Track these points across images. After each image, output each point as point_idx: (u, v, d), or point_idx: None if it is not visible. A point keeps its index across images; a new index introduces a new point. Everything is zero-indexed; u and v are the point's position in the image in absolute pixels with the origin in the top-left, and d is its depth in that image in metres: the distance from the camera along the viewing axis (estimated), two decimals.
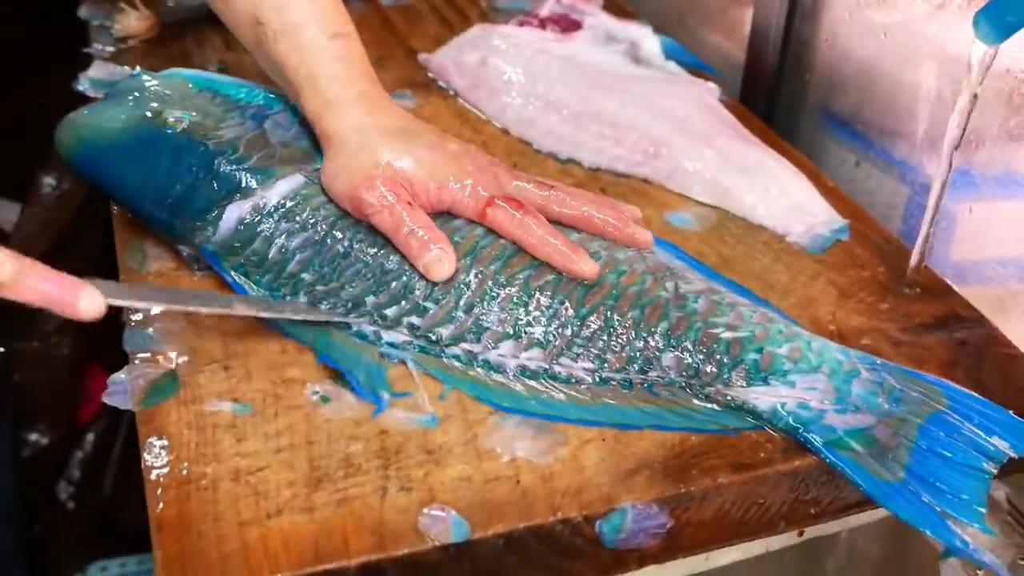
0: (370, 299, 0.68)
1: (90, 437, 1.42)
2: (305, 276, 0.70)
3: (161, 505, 0.57)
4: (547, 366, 0.66)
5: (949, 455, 0.61)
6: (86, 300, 0.58)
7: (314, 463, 0.60)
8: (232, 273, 0.72)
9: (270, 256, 0.71)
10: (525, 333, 0.67)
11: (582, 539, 0.58)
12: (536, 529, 0.57)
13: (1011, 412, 0.63)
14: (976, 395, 0.64)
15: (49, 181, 1.25)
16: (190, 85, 0.81)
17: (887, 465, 0.60)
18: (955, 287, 0.77)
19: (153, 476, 0.59)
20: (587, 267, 0.68)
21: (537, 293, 0.67)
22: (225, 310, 0.67)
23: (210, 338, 0.69)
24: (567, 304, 0.67)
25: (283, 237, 0.71)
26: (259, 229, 0.72)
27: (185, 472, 0.59)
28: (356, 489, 0.58)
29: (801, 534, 0.69)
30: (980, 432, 0.62)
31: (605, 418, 0.64)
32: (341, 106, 0.73)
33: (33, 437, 1.35)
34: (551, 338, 0.66)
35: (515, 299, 0.67)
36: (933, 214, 0.73)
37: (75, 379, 1.41)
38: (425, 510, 0.57)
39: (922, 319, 0.73)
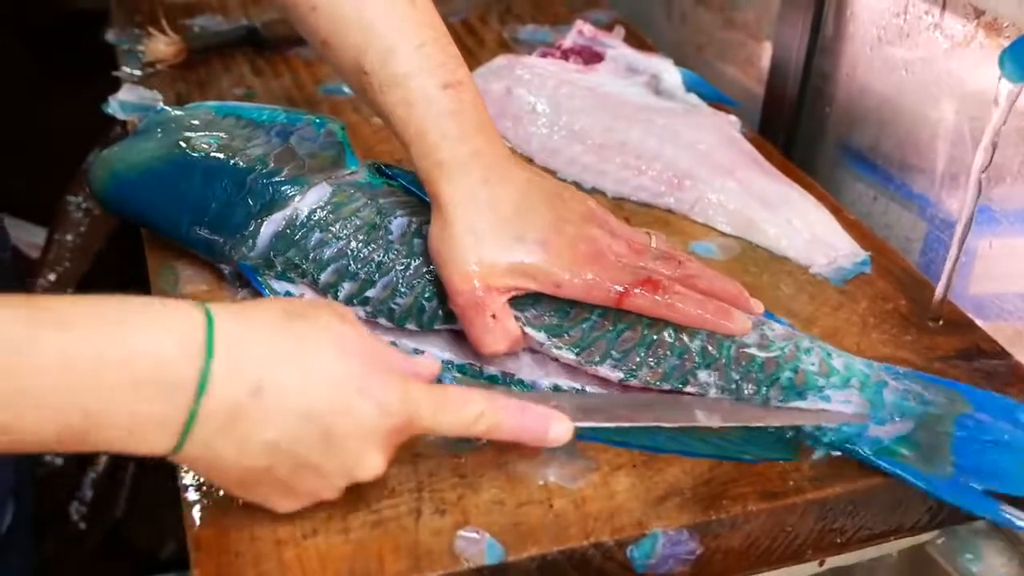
0: (430, 305, 0.70)
1: (103, 458, 1.42)
2: (344, 286, 0.71)
3: (198, 524, 0.58)
4: (578, 387, 0.68)
5: (990, 441, 0.64)
6: (556, 430, 0.59)
7: (349, 484, 0.61)
8: (266, 286, 0.73)
9: (304, 267, 0.72)
10: (568, 334, 0.68)
11: (613, 564, 0.59)
12: (569, 553, 0.58)
13: None
14: (993, 393, 0.68)
15: (78, 205, 1.26)
16: (213, 113, 0.83)
17: (936, 463, 0.63)
18: (975, 320, 0.78)
19: (190, 495, 0.60)
20: (740, 324, 0.67)
21: (578, 304, 0.68)
22: (688, 422, 0.65)
23: None
24: (607, 318, 0.68)
25: (316, 247, 0.72)
26: (293, 240, 0.73)
27: (221, 492, 0.60)
28: (391, 511, 0.59)
29: (822, 564, 0.70)
30: (1008, 424, 0.65)
31: (633, 440, 0.65)
32: (452, 169, 0.67)
33: (47, 457, 1.35)
34: (588, 344, 0.68)
35: (556, 308, 0.68)
36: (959, 249, 0.74)
37: None
38: (460, 532, 0.58)
39: (945, 352, 0.74)
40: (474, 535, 0.58)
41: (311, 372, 0.54)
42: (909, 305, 0.79)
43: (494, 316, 0.66)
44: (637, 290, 0.66)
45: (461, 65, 0.70)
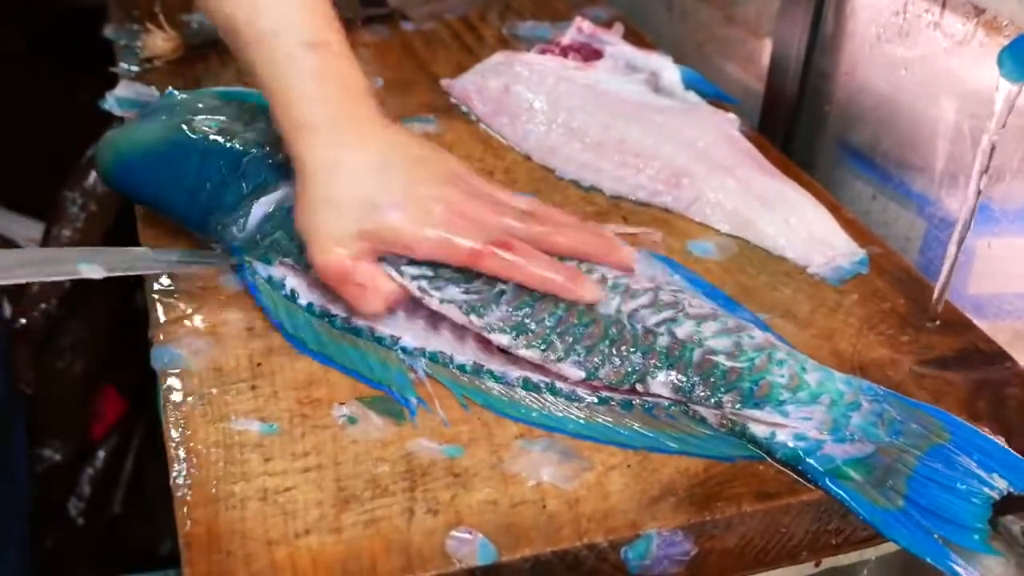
0: None
1: (101, 454, 1.42)
2: None
3: (189, 523, 0.58)
4: (548, 380, 0.68)
5: (948, 484, 0.61)
6: None
7: (341, 484, 0.60)
8: (249, 269, 0.74)
9: (288, 246, 0.73)
10: (530, 331, 0.68)
11: (607, 565, 0.59)
12: (562, 554, 0.58)
13: (1012, 451, 0.63)
14: (979, 430, 0.64)
15: (74, 200, 1.26)
16: (219, 98, 0.84)
17: (886, 493, 0.61)
18: (973, 321, 0.78)
19: (181, 494, 0.59)
20: (589, 292, 0.68)
21: (543, 298, 0.69)
22: (70, 275, 0.67)
23: (236, 357, 0.69)
24: (572, 312, 0.68)
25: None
26: (281, 222, 0.73)
27: (213, 491, 0.60)
28: (383, 510, 0.59)
29: (818, 564, 0.70)
30: (980, 469, 0.62)
31: (601, 435, 0.65)
32: (310, 131, 0.68)
33: (46, 453, 1.36)
34: (552, 339, 0.67)
35: (525, 299, 0.69)
36: (957, 250, 0.74)
37: (88, 397, 1.42)
38: (453, 532, 0.57)
39: (942, 352, 0.74)
40: (467, 535, 0.57)
41: None
42: (907, 305, 0.79)
43: (360, 284, 0.67)
44: (492, 251, 0.67)
45: (331, 27, 0.70)
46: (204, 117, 0.80)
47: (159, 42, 1.07)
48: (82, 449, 1.41)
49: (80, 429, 1.41)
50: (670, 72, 1.04)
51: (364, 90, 0.70)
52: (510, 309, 0.68)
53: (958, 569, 0.57)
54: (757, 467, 0.63)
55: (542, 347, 0.67)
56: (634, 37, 1.14)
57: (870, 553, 0.69)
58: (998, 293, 0.84)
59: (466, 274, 0.69)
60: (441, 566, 0.56)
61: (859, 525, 0.64)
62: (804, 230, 0.85)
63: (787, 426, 0.64)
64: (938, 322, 0.77)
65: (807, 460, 0.62)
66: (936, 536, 0.59)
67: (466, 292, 0.69)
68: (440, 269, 0.69)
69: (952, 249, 0.74)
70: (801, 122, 1.06)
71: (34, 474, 1.34)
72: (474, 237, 0.67)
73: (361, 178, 0.67)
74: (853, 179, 1.01)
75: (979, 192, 0.72)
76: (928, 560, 0.58)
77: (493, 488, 0.61)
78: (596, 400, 0.67)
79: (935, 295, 0.76)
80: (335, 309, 0.72)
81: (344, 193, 0.67)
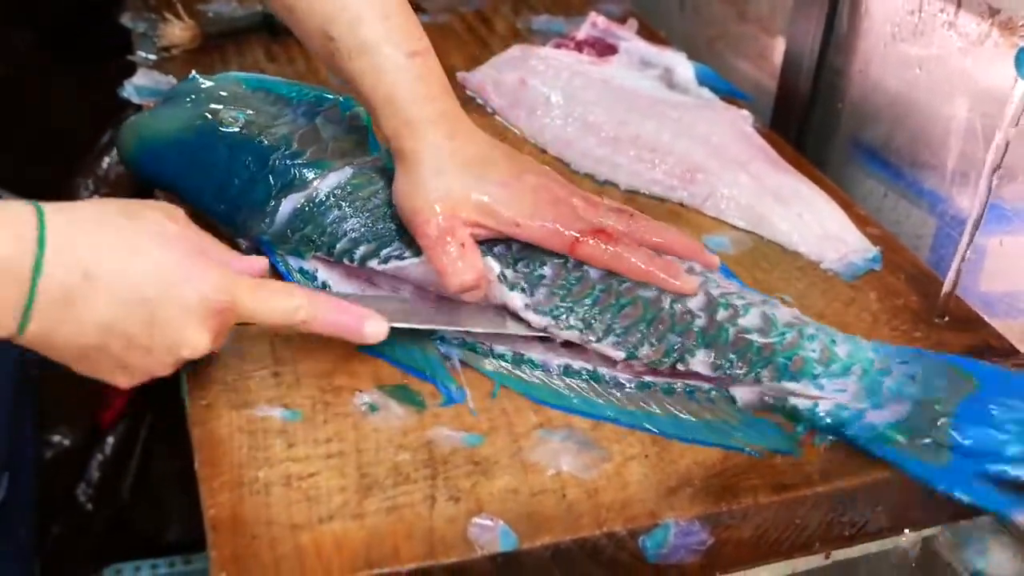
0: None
1: (110, 441, 1.43)
2: (360, 250, 0.73)
3: (215, 508, 0.58)
4: (590, 367, 0.69)
5: (987, 423, 0.63)
6: (370, 327, 0.65)
7: (363, 470, 0.61)
8: (283, 262, 0.75)
9: (319, 240, 0.74)
10: (573, 311, 0.69)
11: (626, 553, 0.60)
12: (582, 542, 0.58)
13: None
14: (1003, 368, 0.68)
15: (87, 186, 1.26)
16: (243, 86, 0.84)
17: (934, 450, 0.62)
18: (984, 318, 0.79)
19: (206, 479, 0.60)
20: (688, 284, 0.70)
21: (580, 281, 0.70)
22: (498, 329, 0.70)
23: (259, 344, 0.70)
24: (609, 294, 0.69)
25: (333, 224, 0.74)
26: (311, 217, 0.74)
27: (238, 476, 0.60)
28: (405, 497, 0.60)
29: (828, 556, 0.70)
30: (1013, 402, 0.64)
31: (641, 422, 0.66)
32: (420, 126, 0.71)
33: (55, 439, 1.36)
34: (591, 321, 0.69)
35: (563, 280, 0.70)
36: (967, 246, 0.75)
37: (97, 384, 1.42)
38: (474, 520, 0.58)
39: (955, 349, 0.74)
40: (488, 522, 0.58)
41: (135, 260, 0.60)
42: (920, 301, 0.79)
43: (463, 245, 0.69)
44: (590, 240, 0.70)
45: (423, 35, 0.75)
46: (231, 108, 0.80)
47: (177, 31, 1.07)
48: (91, 436, 1.41)
49: (89, 414, 1.41)
50: (684, 68, 1.04)
51: (454, 95, 0.75)
52: (549, 292, 0.69)
53: (1019, 515, 0.60)
54: (773, 459, 0.64)
55: (580, 327, 0.68)
56: (646, 32, 1.14)
57: (880, 546, 0.70)
58: (1009, 291, 0.84)
59: (513, 255, 0.71)
60: (463, 553, 0.57)
61: (872, 518, 0.65)
62: (817, 226, 0.86)
63: (825, 399, 0.65)
64: (947, 318, 0.77)
65: (850, 430, 0.64)
66: (990, 474, 0.60)
67: (513, 270, 0.70)
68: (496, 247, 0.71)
69: (963, 244, 0.75)
70: (814, 119, 1.06)
71: (43, 459, 1.34)
72: (575, 225, 0.70)
73: (469, 160, 0.71)
74: (865, 177, 1.01)
75: (990, 190, 0.72)
76: (986, 508, 0.60)
77: (513, 476, 0.62)
78: (636, 386, 0.68)
79: (944, 291, 0.77)
80: None
81: (452, 167, 0.70)
